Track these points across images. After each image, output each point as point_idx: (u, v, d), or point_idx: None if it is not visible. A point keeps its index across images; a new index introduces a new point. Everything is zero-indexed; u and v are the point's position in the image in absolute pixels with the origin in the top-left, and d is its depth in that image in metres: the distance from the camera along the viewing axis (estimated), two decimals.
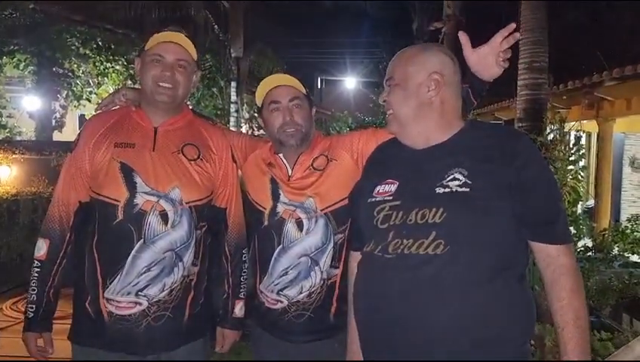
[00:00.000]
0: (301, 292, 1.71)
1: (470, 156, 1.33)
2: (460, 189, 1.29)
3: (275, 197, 1.75)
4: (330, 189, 1.72)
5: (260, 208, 1.78)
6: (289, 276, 1.72)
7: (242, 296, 1.84)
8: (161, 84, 1.65)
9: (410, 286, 1.28)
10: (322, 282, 1.72)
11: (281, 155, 1.79)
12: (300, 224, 1.72)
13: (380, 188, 1.42)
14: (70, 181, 1.69)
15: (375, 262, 1.36)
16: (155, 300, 1.61)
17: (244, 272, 1.84)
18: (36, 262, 1.68)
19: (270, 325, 1.78)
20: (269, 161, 1.81)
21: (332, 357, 1.69)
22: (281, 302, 1.73)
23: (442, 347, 1.26)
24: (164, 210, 1.61)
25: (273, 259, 1.73)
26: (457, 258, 1.26)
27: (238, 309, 1.83)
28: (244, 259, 1.84)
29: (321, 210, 1.72)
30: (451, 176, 1.31)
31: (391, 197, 1.38)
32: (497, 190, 1.29)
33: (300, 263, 1.71)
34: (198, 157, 1.70)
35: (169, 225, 1.62)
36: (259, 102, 1.82)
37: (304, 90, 1.78)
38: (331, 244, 1.72)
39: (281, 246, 1.73)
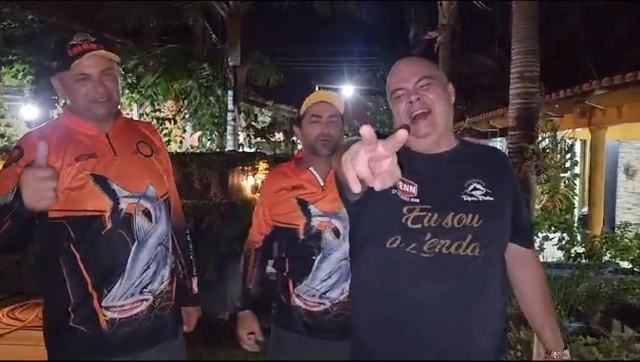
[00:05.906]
0: (342, 294, 1.90)
1: (480, 168, 1.44)
2: (484, 198, 1.39)
3: (307, 214, 1.92)
4: None
5: (292, 226, 1.93)
6: (331, 280, 1.90)
7: (195, 273, 1.99)
8: (98, 100, 1.64)
9: (453, 285, 1.35)
10: None
11: (312, 169, 1.97)
12: (336, 232, 1.90)
13: (401, 186, 1.38)
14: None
15: (406, 259, 1.35)
16: (158, 293, 1.70)
17: (192, 251, 2.00)
18: None
19: (304, 326, 1.92)
20: (293, 184, 1.97)
21: None
22: (324, 304, 1.91)
23: (469, 342, 1.37)
24: (146, 208, 1.68)
25: (314, 266, 1.91)
26: (489, 261, 1.38)
27: (195, 285, 1.98)
28: (188, 239, 1.99)
29: None
30: (472, 186, 1.40)
31: (418, 200, 1.37)
32: (507, 200, 1.44)
33: (341, 267, 1.89)
34: (152, 153, 1.79)
35: (153, 221, 1.70)
36: (302, 111, 2.02)
37: (341, 110, 2.02)
38: None
39: (321, 254, 1.89)
